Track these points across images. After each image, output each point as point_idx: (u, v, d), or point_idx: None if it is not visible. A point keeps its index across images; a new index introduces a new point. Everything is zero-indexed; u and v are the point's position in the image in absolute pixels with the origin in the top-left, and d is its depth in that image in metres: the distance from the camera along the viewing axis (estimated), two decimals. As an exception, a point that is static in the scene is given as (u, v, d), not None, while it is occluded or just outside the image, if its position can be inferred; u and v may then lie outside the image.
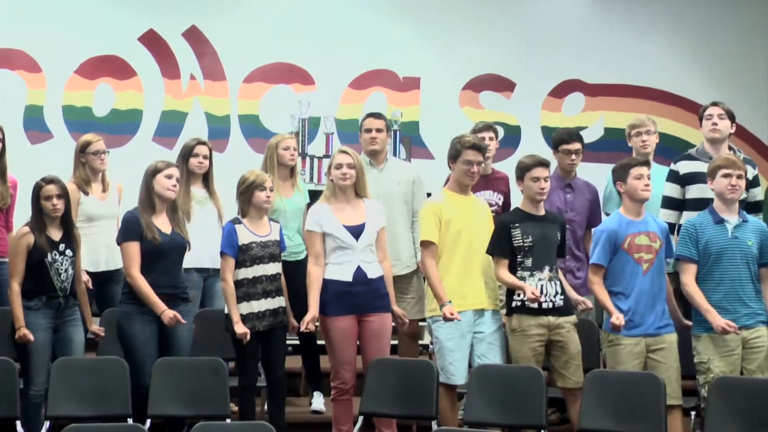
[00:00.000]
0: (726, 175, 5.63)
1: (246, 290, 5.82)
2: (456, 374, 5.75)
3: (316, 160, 8.28)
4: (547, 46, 9.39)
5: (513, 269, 5.74)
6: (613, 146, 8.05)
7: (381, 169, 6.58)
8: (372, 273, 5.84)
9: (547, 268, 5.75)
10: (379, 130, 6.60)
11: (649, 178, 5.69)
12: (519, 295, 5.72)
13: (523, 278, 5.70)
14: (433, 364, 5.73)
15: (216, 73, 8.88)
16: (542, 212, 5.85)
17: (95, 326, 6.06)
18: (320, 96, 8.86)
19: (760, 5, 9.86)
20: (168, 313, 5.64)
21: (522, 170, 5.80)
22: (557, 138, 6.57)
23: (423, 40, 9.19)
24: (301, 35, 8.96)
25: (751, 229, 5.65)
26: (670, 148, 7.74)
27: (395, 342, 6.61)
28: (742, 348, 5.57)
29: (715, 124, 6.23)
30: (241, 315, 5.77)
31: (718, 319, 5.50)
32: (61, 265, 5.83)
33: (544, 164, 5.81)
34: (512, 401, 5.45)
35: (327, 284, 5.82)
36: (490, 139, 6.58)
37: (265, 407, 6.22)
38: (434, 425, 5.57)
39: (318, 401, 6.60)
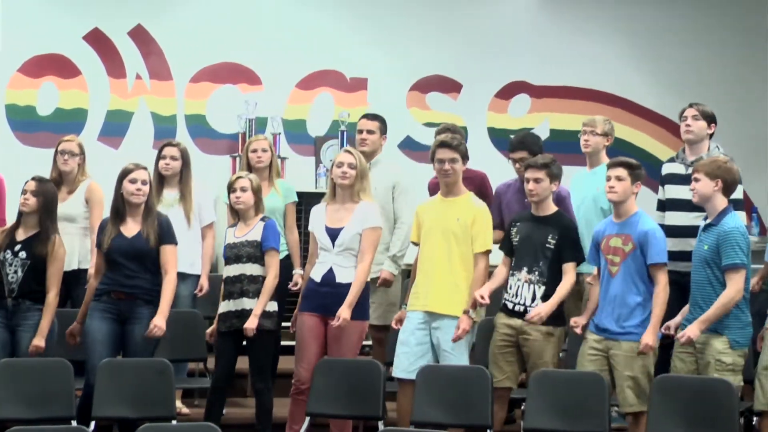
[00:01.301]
0: (695, 179, 5.68)
1: (223, 290, 6.01)
2: (398, 367, 5.79)
3: (278, 161, 8.25)
4: (494, 48, 9.43)
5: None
6: (559, 148, 8.09)
7: None
8: (342, 277, 5.84)
9: (525, 269, 5.77)
10: (370, 132, 6.63)
11: (618, 180, 5.66)
12: (505, 291, 5.86)
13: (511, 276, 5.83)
14: (379, 364, 5.75)
15: (162, 72, 8.81)
16: (544, 212, 5.85)
17: (38, 339, 5.74)
18: (267, 96, 8.83)
19: (706, 9, 9.98)
20: (70, 328, 5.83)
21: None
22: (509, 145, 6.63)
23: (370, 41, 9.19)
24: (248, 35, 8.92)
25: (713, 234, 5.60)
26: (616, 150, 7.78)
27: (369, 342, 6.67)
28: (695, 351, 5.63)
29: (688, 125, 6.28)
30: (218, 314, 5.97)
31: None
32: (10, 266, 5.77)
33: (533, 166, 5.84)
34: (459, 401, 5.49)
35: (307, 281, 5.97)
36: None
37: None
38: (380, 425, 5.58)
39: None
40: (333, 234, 5.86)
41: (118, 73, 8.73)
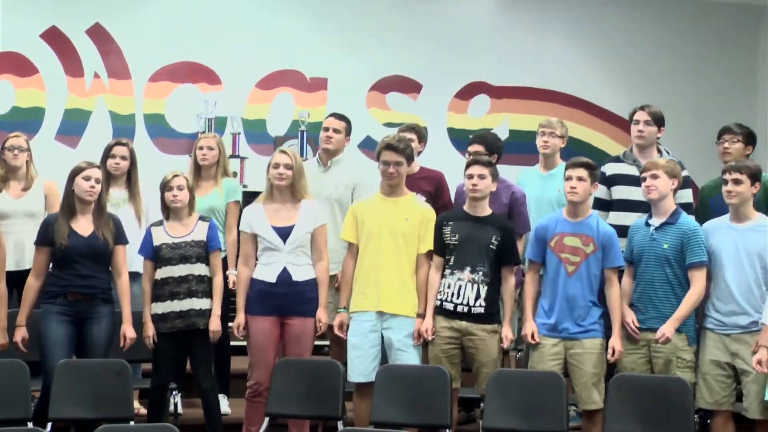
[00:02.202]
0: (643, 178, 5.75)
1: (156, 292, 5.89)
2: (354, 371, 5.77)
3: (225, 159, 8.22)
4: (453, 48, 9.46)
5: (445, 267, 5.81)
6: (518, 148, 8.15)
7: (326, 169, 6.56)
8: (299, 276, 5.83)
9: (468, 269, 5.75)
10: (336, 131, 6.61)
11: (579, 180, 5.71)
12: (439, 294, 5.78)
13: (444, 276, 5.77)
14: (338, 365, 5.75)
15: (121, 71, 8.76)
16: (482, 213, 5.84)
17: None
18: (227, 96, 8.80)
19: (662, 11, 10.08)
20: (20, 336, 5.71)
21: (465, 169, 5.87)
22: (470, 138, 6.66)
23: (330, 41, 9.19)
24: (208, 34, 8.88)
25: (672, 232, 5.66)
26: (575, 151, 7.83)
27: (325, 342, 6.65)
28: (648, 350, 5.67)
29: (641, 131, 6.32)
30: (152, 315, 5.85)
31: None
32: None
33: (479, 162, 5.84)
34: (418, 401, 5.49)
35: (252, 283, 5.87)
36: (411, 140, 6.58)
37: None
38: (340, 425, 5.58)
39: (223, 403, 6.56)
40: (283, 233, 5.84)
41: (76, 72, 8.66)
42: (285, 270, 5.83)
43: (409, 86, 9.41)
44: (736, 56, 10.34)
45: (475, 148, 6.43)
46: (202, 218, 6.01)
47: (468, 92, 9.58)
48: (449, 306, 5.75)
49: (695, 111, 9.59)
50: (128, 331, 5.83)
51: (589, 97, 9.80)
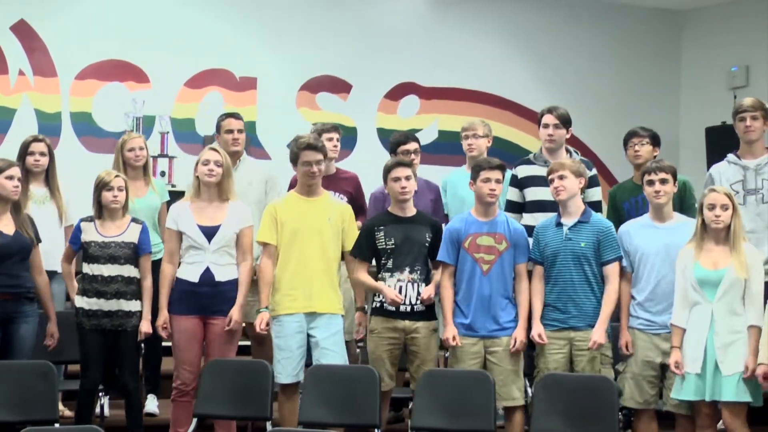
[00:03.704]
0: (551, 180, 5.81)
1: (82, 285, 5.83)
2: (282, 373, 5.74)
3: (150, 159, 8.15)
4: (383, 49, 9.50)
5: (380, 270, 5.79)
6: (447, 149, 8.21)
7: (235, 169, 6.54)
8: (221, 276, 5.80)
9: (407, 269, 5.77)
10: (240, 131, 6.59)
11: (498, 183, 5.74)
12: (378, 296, 5.78)
13: (383, 279, 5.77)
14: (267, 365, 5.73)
15: (46, 69, 8.65)
16: (410, 213, 5.85)
17: None
18: (155, 94, 8.74)
19: (588, 14, 10.22)
20: None
21: (385, 172, 5.85)
22: (394, 141, 6.66)
23: (260, 41, 9.17)
24: (136, 32, 8.81)
25: (587, 230, 5.71)
26: (501, 151, 7.92)
27: (247, 343, 6.61)
28: (570, 349, 5.74)
29: (550, 134, 6.38)
30: (76, 308, 5.78)
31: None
32: None
33: (404, 164, 5.86)
34: (347, 401, 5.50)
35: (176, 282, 5.83)
36: (330, 140, 6.60)
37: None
38: (269, 426, 5.57)
39: (151, 404, 6.52)
40: (209, 232, 5.81)
41: (0, 69, 8.53)
42: (208, 270, 5.80)
43: (339, 86, 9.42)
44: (660, 60, 10.56)
45: (414, 146, 6.53)
46: (134, 220, 5.96)
47: (398, 93, 9.63)
48: (391, 307, 5.76)
49: (621, 113, 9.75)
50: (54, 329, 5.82)
51: (516, 98, 9.92)
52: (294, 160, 5.87)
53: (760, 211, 6.14)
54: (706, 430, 5.46)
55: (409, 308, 5.76)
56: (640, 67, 10.41)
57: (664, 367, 5.64)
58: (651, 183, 5.71)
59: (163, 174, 8.21)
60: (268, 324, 5.81)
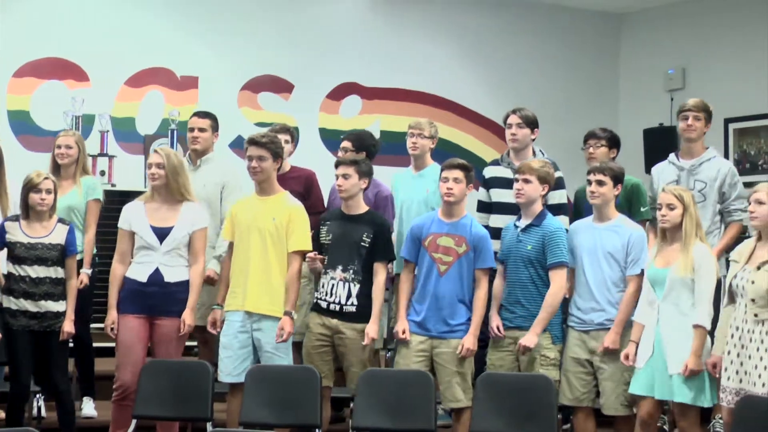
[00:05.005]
0: (516, 180, 5.85)
1: (8, 285, 5.77)
2: (224, 371, 5.75)
3: (90, 159, 8.09)
4: (325, 49, 9.49)
5: None
6: (389, 149, 8.21)
7: (195, 169, 6.51)
8: (171, 277, 5.78)
9: (340, 267, 5.80)
10: (201, 130, 6.56)
11: (456, 182, 5.77)
12: (317, 292, 5.85)
13: (323, 275, 5.83)
14: (207, 365, 5.71)
15: (-18, 66, 8.53)
16: (356, 211, 5.89)
17: None
18: (95, 93, 8.64)
19: (532, 16, 10.30)
20: None
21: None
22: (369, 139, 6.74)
23: (201, 40, 9.11)
24: (75, 30, 8.70)
25: (536, 234, 5.78)
26: (443, 152, 7.95)
27: (193, 343, 6.59)
28: (516, 348, 5.78)
29: (514, 134, 6.44)
30: (1, 308, 5.74)
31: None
32: None
33: (343, 163, 5.89)
34: (288, 401, 5.50)
35: (125, 282, 5.81)
36: (286, 141, 6.57)
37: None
38: (209, 426, 5.55)
39: (88, 406, 6.47)
40: (161, 233, 5.79)
41: (-64, 67, 8.41)
42: (157, 270, 5.78)
43: (281, 86, 9.40)
44: (600, 62, 10.68)
45: (344, 144, 6.56)
46: (61, 221, 5.90)
47: (340, 93, 9.63)
48: (322, 304, 5.81)
49: (562, 114, 9.84)
50: None
51: (458, 99, 9.96)
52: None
53: None
54: (646, 426, 5.55)
55: (337, 308, 5.78)
56: (580, 68, 10.53)
57: (595, 366, 5.73)
58: (589, 183, 5.81)
59: (102, 173, 8.13)
60: (216, 322, 5.81)
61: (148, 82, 8.95)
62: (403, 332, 5.77)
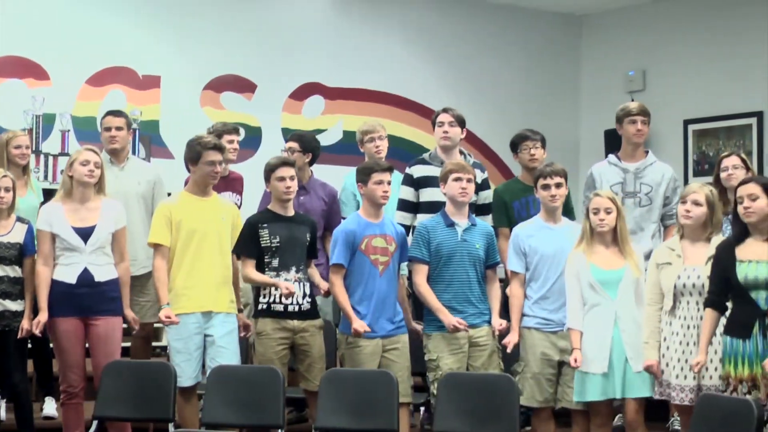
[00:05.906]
0: (457, 179, 5.86)
1: None
2: (183, 375, 5.73)
3: (51, 158, 8.06)
4: (288, 49, 9.49)
5: (261, 270, 5.79)
6: (351, 149, 8.21)
7: (122, 167, 6.50)
8: (101, 276, 5.75)
9: (293, 268, 5.82)
10: (119, 128, 6.54)
11: (389, 184, 5.83)
12: (265, 297, 5.79)
13: (275, 277, 5.79)
14: (170, 366, 5.70)
15: (-59, 64, 8.45)
16: (291, 213, 5.92)
17: None
18: (56, 92, 8.58)
19: (492, 18, 10.36)
20: None
21: (268, 171, 5.88)
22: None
23: (163, 39, 9.08)
24: (35, 28, 8.64)
25: (479, 233, 5.91)
26: (405, 152, 8.00)
27: (127, 344, 6.54)
28: (468, 346, 5.83)
29: (446, 132, 6.48)
30: None
31: (449, 318, 5.73)
32: None
33: (289, 164, 5.90)
34: (251, 401, 5.50)
35: (53, 285, 5.73)
36: (231, 141, 6.60)
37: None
38: (171, 427, 5.54)
39: (49, 406, 6.43)
40: (84, 234, 5.75)
41: None
42: (86, 270, 5.74)
43: (244, 86, 9.39)
44: (561, 63, 10.76)
45: (290, 144, 6.65)
46: (20, 219, 5.87)
47: (302, 93, 9.64)
48: (279, 307, 5.78)
49: (522, 115, 9.88)
50: None
51: (420, 99, 10.00)
52: (195, 159, 5.85)
53: (637, 214, 6.36)
54: (603, 428, 5.61)
55: (296, 308, 5.80)
56: (541, 69, 10.60)
57: (560, 365, 5.78)
58: (547, 187, 5.85)
59: (62, 173, 8.08)
60: (171, 316, 5.79)
61: (109, 81, 8.91)
62: (362, 327, 5.76)
